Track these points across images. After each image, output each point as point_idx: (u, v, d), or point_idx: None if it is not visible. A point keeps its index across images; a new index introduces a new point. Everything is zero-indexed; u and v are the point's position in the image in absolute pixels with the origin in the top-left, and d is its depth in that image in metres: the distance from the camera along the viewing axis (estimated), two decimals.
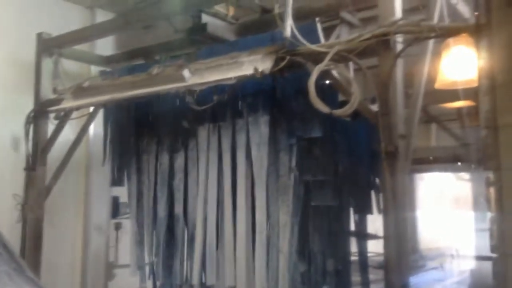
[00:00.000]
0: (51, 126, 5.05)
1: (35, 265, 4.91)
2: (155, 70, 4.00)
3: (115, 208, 6.41)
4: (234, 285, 4.20)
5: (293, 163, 4.00)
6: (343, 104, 3.44)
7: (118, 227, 7.28)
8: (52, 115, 4.90)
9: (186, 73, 3.80)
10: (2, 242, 3.59)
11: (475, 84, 2.73)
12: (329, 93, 3.73)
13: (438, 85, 3.25)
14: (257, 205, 4.09)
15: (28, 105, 5.05)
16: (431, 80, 3.99)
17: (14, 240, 4.98)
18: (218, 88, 3.87)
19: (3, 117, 5.21)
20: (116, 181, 5.43)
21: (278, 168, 4.07)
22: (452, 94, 3.92)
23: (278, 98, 4.08)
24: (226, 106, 4.26)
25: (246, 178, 4.21)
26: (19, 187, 5.04)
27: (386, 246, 3.24)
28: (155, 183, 4.92)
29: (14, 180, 5.10)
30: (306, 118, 3.92)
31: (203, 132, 4.48)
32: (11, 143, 5.20)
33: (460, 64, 3.00)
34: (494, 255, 2.53)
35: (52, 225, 5.29)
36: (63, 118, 4.87)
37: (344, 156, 4.35)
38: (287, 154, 4.04)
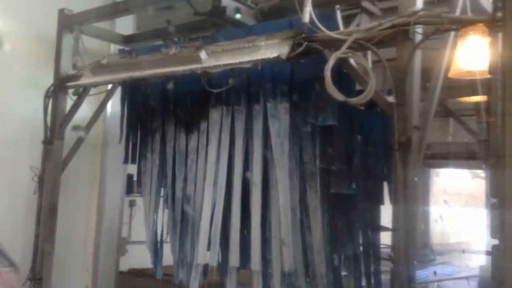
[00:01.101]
0: (69, 102, 5.13)
1: (50, 236, 5.03)
2: (172, 50, 4.02)
3: (130, 186, 6.51)
4: (238, 266, 4.27)
5: (317, 150, 4.02)
6: (359, 93, 3.43)
7: (132, 204, 7.41)
8: (71, 91, 4.97)
9: (203, 54, 3.81)
10: None
11: (488, 75, 2.72)
12: (346, 82, 3.73)
13: (451, 74, 3.23)
14: (280, 189, 4.10)
15: (48, 80, 5.12)
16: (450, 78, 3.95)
17: (31, 211, 5.11)
18: (234, 71, 3.88)
19: (23, 91, 5.30)
20: (130, 159, 5.52)
21: (298, 154, 4.08)
22: (470, 88, 3.88)
23: (295, 84, 4.08)
24: (242, 90, 4.28)
25: (262, 163, 4.24)
26: (36, 160, 5.14)
27: (394, 238, 3.25)
28: (169, 163, 4.98)
29: (32, 153, 5.20)
30: (321, 106, 3.92)
31: (216, 115, 4.50)
32: (30, 116, 5.28)
33: (474, 54, 2.98)
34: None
35: (67, 199, 5.40)
36: (81, 94, 4.94)
37: (358, 145, 4.36)
38: (309, 142, 4.06)
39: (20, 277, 4.19)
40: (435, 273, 10.14)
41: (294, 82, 4.10)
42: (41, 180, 5.09)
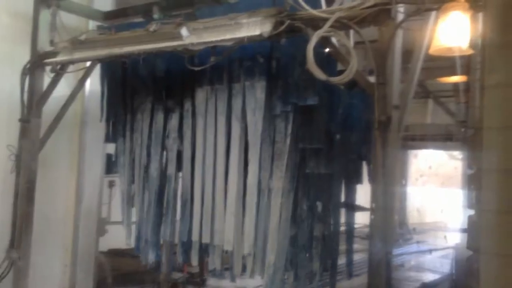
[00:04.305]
0: (47, 79, 5.02)
1: (27, 216, 4.97)
2: (152, 26, 3.96)
3: (109, 165, 6.44)
4: (222, 244, 4.30)
5: (289, 130, 4.03)
6: (340, 73, 3.44)
7: (111, 184, 7.35)
8: (48, 68, 4.87)
9: (184, 31, 3.76)
10: None
11: (469, 52, 2.75)
12: (327, 62, 3.72)
13: (432, 51, 3.25)
14: (249, 169, 4.14)
15: (25, 57, 4.99)
16: (430, 55, 3.97)
17: (7, 190, 5.03)
18: (216, 49, 3.85)
19: (1, 67, 5.16)
20: (110, 138, 5.46)
21: (273, 134, 4.09)
22: (449, 69, 3.92)
23: (275, 63, 4.07)
24: (223, 69, 4.25)
25: (239, 143, 4.24)
26: (13, 138, 5.04)
27: (372, 216, 3.30)
28: (148, 142, 4.95)
29: (9, 131, 5.09)
30: (302, 86, 3.92)
31: (200, 94, 4.48)
32: (7, 94, 5.16)
33: (455, 30, 3.00)
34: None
35: (45, 178, 5.32)
36: (59, 71, 4.84)
37: (338, 125, 4.38)
38: (283, 121, 4.06)
39: None
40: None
41: (274, 60, 4.09)
42: (18, 159, 5.00)
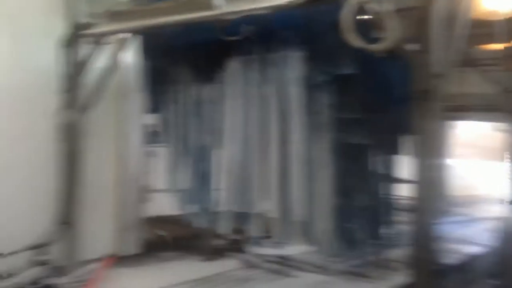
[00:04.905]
0: (85, 51, 5.10)
1: (75, 184, 5.18)
2: None
3: (149, 136, 6.57)
4: (264, 212, 4.37)
5: (328, 100, 3.99)
6: (378, 41, 3.32)
7: (150, 154, 7.51)
8: (86, 40, 4.94)
9: (217, 1, 3.71)
10: None
11: None
12: (364, 29, 3.60)
13: (476, 15, 3.09)
14: (293, 140, 4.13)
15: (63, 29, 5.08)
16: (474, 21, 3.77)
17: (54, 160, 5.21)
18: (250, 19, 3.79)
19: (38, 40, 5.26)
20: (151, 109, 5.57)
21: (312, 104, 4.06)
22: (495, 35, 3.72)
23: (311, 32, 3.98)
24: (257, 39, 4.20)
25: (278, 113, 4.24)
26: (53, 110, 5.17)
27: (414, 189, 3.23)
28: (188, 113, 5.02)
29: (51, 102, 5.22)
30: (338, 54, 3.84)
31: (233, 65, 4.47)
32: (48, 66, 5.27)
33: None
34: None
35: (89, 147, 5.46)
36: (97, 43, 4.90)
37: (377, 95, 4.28)
38: (321, 91, 4.02)
39: None
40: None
41: (310, 29, 4.00)
42: (62, 128, 5.16)
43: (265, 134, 4.36)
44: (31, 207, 5.05)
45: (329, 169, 4.05)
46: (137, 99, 5.85)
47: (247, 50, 4.37)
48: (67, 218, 5.13)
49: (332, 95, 3.98)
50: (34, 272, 4.77)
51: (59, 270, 4.98)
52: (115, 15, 4.51)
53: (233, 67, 4.52)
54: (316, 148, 4.05)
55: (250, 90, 4.41)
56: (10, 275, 4.58)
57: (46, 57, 5.16)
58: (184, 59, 5.02)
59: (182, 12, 3.94)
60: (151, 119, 6.31)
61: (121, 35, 4.87)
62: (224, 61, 4.62)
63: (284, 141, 4.23)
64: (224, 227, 4.87)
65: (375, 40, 3.39)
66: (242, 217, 4.66)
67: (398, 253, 5.28)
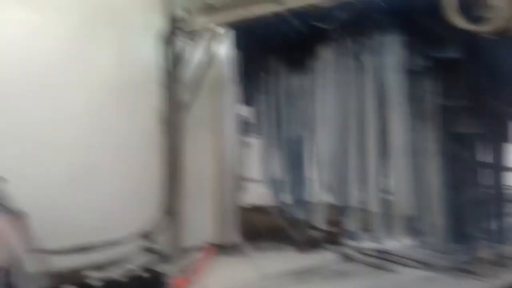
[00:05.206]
0: (183, 46, 5.24)
1: (178, 174, 5.38)
2: None
3: (244, 127, 6.66)
4: (361, 206, 4.25)
5: (433, 86, 3.75)
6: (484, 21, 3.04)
7: (246, 144, 7.63)
8: (184, 34, 5.07)
9: None
10: None
11: None
12: (468, 9, 3.31)
13: None
14: (393, 129, 3.96)
15: (161, 25, 5.26)
16: None
17: (158, 151, 5.45)
18: (344, 5, 3.66)
19: (139, 35, 5.49)
20: (246, 101, 5.65)
21: (416, 91, 3.85)
22: None
23: (410, 15, 3.75)
24: (351, 25, 4.05)
25: (375, 101, 4.07)
26: (158, 103, 5.39)
27: None
28: (282, 104, 5.00)
29: (150, 97, 5.44)
30: (442, 38, 3.58)
31: (326, 52, 4.35)
32: (149, 61, 5.48)
33: None
34: None
35: (189, 138, 5.64)
36: (194, 37, 5.02)
37: (485, 80, 3.95)
38: (425, 77, 3.80)
39: (23, 225, 3.68)
40: None
41: (410, 12, 3.77)
42: (164, 121, 5.37)
43: (362, 123, 4.21)
44: (138, 197, 5.33)
45: (435, 160, 3.80)
46: (232, 91, 5.95)
47: (340, 37, 4.23)
48: (170, 208, 5.35)
49: (436, 81, 3.72)
50: (142, 259, 5.03)
51: (165, 258, 5.22)
52: (210, 9, 4.58)
53: (326, 55, 4.42)
54: (420, 137, 3.82)
55: (345, 77, 4.27)
56: (122, 261, 4.85)
57: (147, 52, 5.37)
58: (275, 49, 5.00)
59: (276, 2, 3.89)
60: (245, 110, 6.46)
61: (215, 29, 4.93)
62: (316, 49, 4.52)
63: (383, 130, 4.05)
64: (319, 219, 4.80)
65: (481, 20, 3.10)
66: (338, 209, 4.56)
67: (509, 249, 4.87)
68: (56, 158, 4.80)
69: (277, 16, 4.17)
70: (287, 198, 5.12)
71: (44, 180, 4.68)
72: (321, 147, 4.55)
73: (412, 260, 4.99)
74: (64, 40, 4.93)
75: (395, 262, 5.05)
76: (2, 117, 4.49)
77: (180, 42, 5.20)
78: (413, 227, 4.04)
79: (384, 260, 5.15)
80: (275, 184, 5.32)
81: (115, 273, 4.59)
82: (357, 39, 4.10)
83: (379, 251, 5.16)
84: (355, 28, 4.09)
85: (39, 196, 4.48)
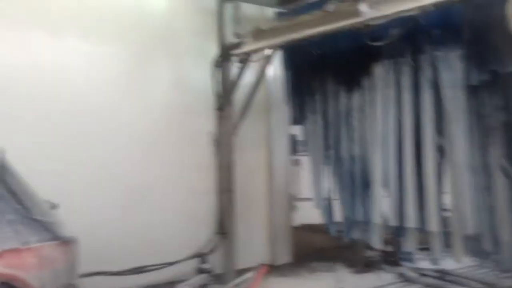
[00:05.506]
0: (234, 69, 5.34)
1: (230, 194, 5.42)
2: (331, 6, 3.89)
3: (294, 146, 6.67)
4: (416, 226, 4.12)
5: (495, 101, 3.63)
6: None
7: (296, 163, 7.61)
8: (235, 59, 5.17)
9: (363, 7, 3.61)
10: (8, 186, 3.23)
11: None
12: None
13: None
14: (454, 146, 3.83)
15: (214, 50, 5.38)
16: None
17: (210, 172, 5.53)
18: (397, 21, 3.62)
19: (194, 61, 5.63)
20: (296, 120, 5.66)
21: (477, 107, 3.74)
22: None
23: (468, 29, 3.67)
24: (405, 41, 3.99)
25: (432, 117, 3.98)
26: (210, 125, 5.48)
27: None
28: (333, 122, 4.97)
29: (207, 118, 5.54)
30: (502, 51, 3.47)
31: (379, 70, 4.31)
32: (202, 85, 5.59)
33: None
34: None
35: (241, 159, 5.67)
36: (245, 61, 5.10)
37: None
38: (486, 92, 3.67)
39: (71, 251, 3.51)
40: None
41: (467, 26, 3.69)
42: (217, 143, 5.45)
43: (419, 140, 4.11)
44: (193, 219, 5.42)
45: (499, 176, 3.66)
46: (282, 111, 5.98)
47: (394, 54, 4.18)
48: (224, 228, 5.38)
49: (498, 96, 3.60)
50: (197, 279, 5.07)
51: (219, 278, 5.24)
52: (261, 33, 4.65)
53: (380, 72, 4.35)
54: (482, 153, 3.68)
55: (400, 94, 4.20)
56: (178, 282, 4.91)
57: (201, 76, 5.50)
58: (326, 68, 4.99)
59: (328, 22, 3.91)
60: (295, 129, 6.46)
61: (266, 51, 5.00)
62: (369, 67, 4.48)
63: (441, 147, 3.94)
64: (375, 239, 4.68)
65: None
66: (395, 229, 4.44)
67: None
68: (114, 182, 4.98)
69: (326, 35, 4.18)
70: (340, 218, 5.03)
71: (103, 203, 4.83)
72: (376, 165, 4.46)
73: (474, 280, 4.80)
74: (124, 68, 5.17)
75: (455, 283, 4.89)
76: (64, 141, 4.71)
77: (232, 66, 5.29)
78: (475, 246, 3.87)
79: (444, 280, 4.98)
80: (327, 203, 5.26)
81: None
82: (411, 55, 4.03)
83: (438, 271, 5.00)
84: (411, 43, 4.02)
85: (97, 220, 4.64)
